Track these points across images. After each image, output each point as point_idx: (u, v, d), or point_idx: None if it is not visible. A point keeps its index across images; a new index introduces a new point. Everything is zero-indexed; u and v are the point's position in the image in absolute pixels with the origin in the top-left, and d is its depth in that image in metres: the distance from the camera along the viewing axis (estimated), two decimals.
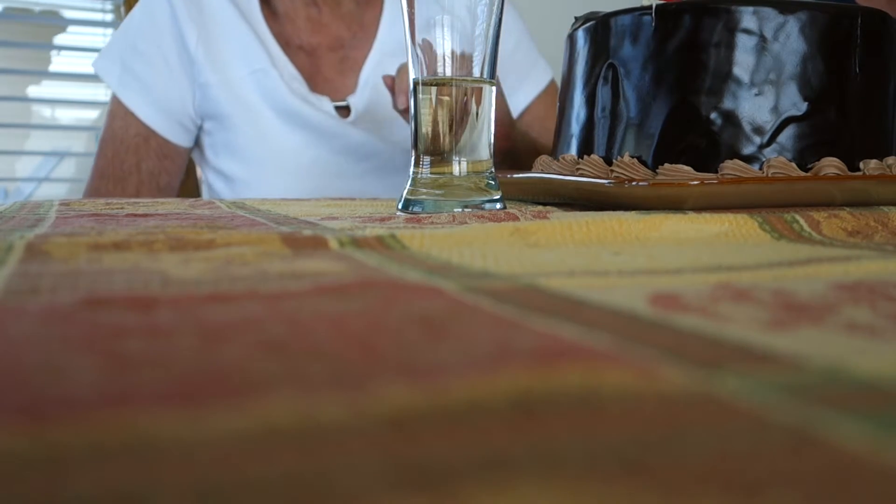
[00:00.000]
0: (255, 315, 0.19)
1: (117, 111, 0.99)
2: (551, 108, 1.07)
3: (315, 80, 0.99)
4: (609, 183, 0.48)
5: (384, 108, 0.93)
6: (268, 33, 0.97)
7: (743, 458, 0.11)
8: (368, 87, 0.98)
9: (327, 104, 0.97)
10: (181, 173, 1.02)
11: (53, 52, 2.01)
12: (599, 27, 0.59)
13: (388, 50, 1.01)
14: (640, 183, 0.46)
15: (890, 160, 0.53)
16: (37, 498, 0.10)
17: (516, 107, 1.08)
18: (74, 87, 2.41)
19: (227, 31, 0.96)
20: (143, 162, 0.98)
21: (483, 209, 0.49)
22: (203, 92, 0.97)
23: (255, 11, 0.98)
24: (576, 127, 0.62)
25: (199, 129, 1.01)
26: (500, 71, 1.02)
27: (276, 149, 0.97)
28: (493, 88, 0.51)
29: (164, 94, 0.97)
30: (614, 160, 0.54)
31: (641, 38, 0.55)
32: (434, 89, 0.51)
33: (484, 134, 0.51)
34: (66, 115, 2.62)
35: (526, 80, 1.09)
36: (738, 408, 0.13)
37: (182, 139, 1.00)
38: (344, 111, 0.99)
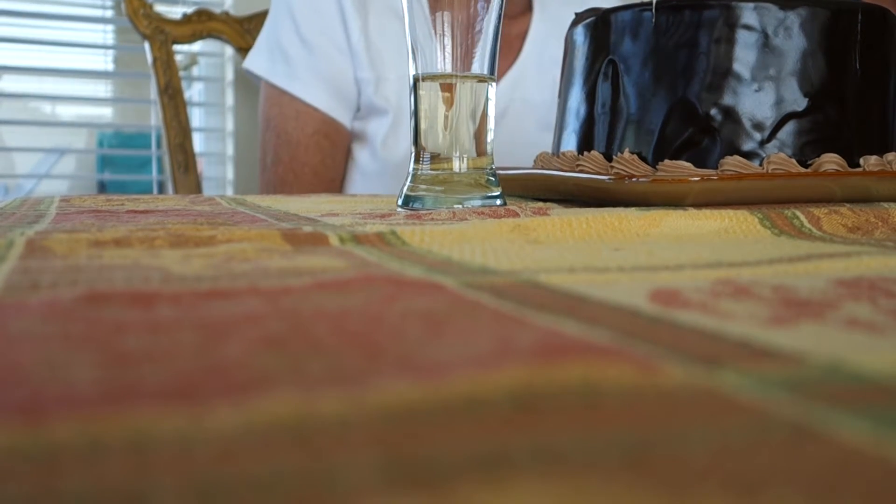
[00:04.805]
0: (255, 311, 0.19)
1: (287, 112, 1.00)
2: None
3: None
4: (609, 179, 0.48)
5: (514, 134, 0.96)
6: None
7: (743, 453, 0.11)
8: (499, 110, 0.99)
9: None
10: (347, 152, 1.04)
11: (54, 49, 2.01)
12: (599, 23, 0.59)
13: (529, 71, 1.02)
14: (641, 179, 0.46)
15: (890, 156, 0.53)
16: (36, 494, 0.10)
17: None
18: (75, 84, 2.41)
19: (384, 30, 0.99)
20: (317, 156, 1.00)
21: (483, 206, 0.49)
22: (359, 86, 1.00)
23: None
24: (576, 123, 0.62)
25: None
26: None
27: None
28: (494, 85, 0.51)
29: (337, 77, 0.99)
30: (614, 156, 0.54)
31: (642, 34, 0.55)
32: (434, 85, 0.51)
33: (484, 130, 0.51)
34: (66, 112, 2.62)
35: None
36: (738, 404, 0.13)
37: (350, 122, 1.02)
38: None
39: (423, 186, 0.50)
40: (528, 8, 1.05)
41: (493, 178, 0.51)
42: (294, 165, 1.00)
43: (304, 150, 1.00)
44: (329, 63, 0.99)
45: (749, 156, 0.52)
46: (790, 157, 0.51)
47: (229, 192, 1.42)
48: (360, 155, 1.03)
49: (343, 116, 1.01)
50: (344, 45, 0.99)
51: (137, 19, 1.18)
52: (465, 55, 0.50)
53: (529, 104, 1.03)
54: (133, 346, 0.16)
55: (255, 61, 1.03)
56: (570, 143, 0.62)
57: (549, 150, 0.66)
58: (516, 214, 0.44)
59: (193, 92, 1.66)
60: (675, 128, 0.54)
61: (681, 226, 0.38)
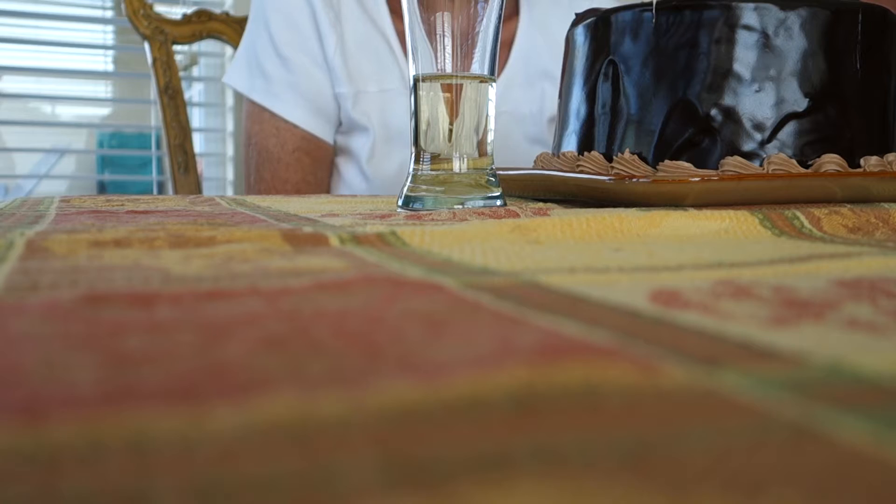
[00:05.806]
0: (255, 312, 0.19)
1: (267, 129, 0.98)
2: None
3: None
4: (609, 179, 0.48)
5: (501, 149, 0.95)
6: (399, 47, 0.97)
7: (744, 454, 0.11)
8: None
9: None
10: (330, 167, 1.03)
11: (54, 49, 2.01)
12: (600, 23, 0.59)
13: (517, 82, 1.00)
14: (641, 179, 0.46)
15: (890, 157, 0.53)
16: (36, 495, 0.10)
17: None
18: (75, 84, 2.41)
19: (363, 43, 0.96)
20: (299, 173, 0.99)
21: (484, 206, 0.49)
22: (338, 101, 0.98)
23: (388, 27, 0.98)
24: (576, 123, 0.62)
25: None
26: None
27: (391, 167, 0.98)
28: (494, 85, 0.51)
29: (316, 93, 0.97)
30: (615, 157, 0.54)
31: (642, 35, 0.55)
32: (434, 85, 0.51)
33: (484, 131, 0.51)
34: (66, 112, 2.61)
35: None
36: (739, 404, 0.13)
37: (332, 137, 1.00)
38: None
39: (424, 187, 0.50)
40: (514, 12, 1.03)
41: (494, 179, 0.51)
42: (276, 183, 0.99)
43: (286, 168, 0.99)
44: (307, 79, 0.97)
45: (749, 156, 0.52)
46: (790, 157, 0.51)
47: (229, 192, 1.42)
48: (347, 170, 1.02)
49: (324, 132, 0.99)
50: (321, 60, 0.97)
51: (137, 20, 1.18)
52: (465, 56, 0.50)
53: (516, 117, 1.01)
54: (133, 347, 0.16)
55: (235, 77, 1.02)
56: (570, 144, 0.62)
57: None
58: (516, 215, 0.44)
59: (193, 92, 1.66)
60: (675, 128, 0.54)
61: (681, 226, 0.38)
